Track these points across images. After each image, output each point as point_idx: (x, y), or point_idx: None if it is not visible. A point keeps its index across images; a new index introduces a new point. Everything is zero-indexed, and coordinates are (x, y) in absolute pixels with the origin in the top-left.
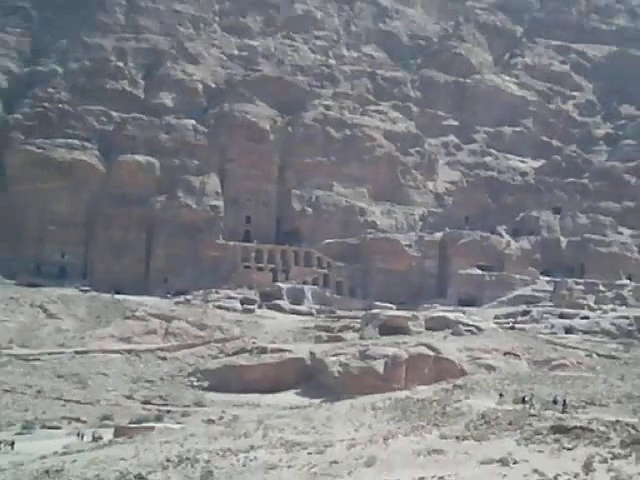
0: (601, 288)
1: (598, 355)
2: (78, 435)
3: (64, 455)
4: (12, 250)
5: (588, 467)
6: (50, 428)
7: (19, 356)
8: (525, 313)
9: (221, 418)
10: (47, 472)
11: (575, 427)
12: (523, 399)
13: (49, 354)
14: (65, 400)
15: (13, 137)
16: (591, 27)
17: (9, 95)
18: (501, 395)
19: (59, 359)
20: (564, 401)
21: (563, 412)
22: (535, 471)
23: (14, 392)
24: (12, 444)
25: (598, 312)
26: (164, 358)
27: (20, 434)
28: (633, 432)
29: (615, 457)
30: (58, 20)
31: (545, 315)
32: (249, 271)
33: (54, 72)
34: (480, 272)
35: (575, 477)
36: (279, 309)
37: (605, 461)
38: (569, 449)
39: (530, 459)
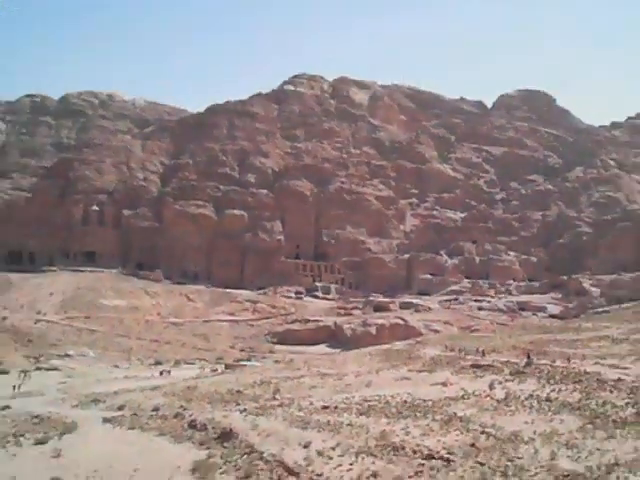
0: (498, 286)
1: (496, 323)
2: (204, 368)
3: (197, 379)
4: (168, 263)
5: (491, 386)
6: (189, 364)
7: (173, 323)
8: (455, 299)
9: (284, 359)
10: (188, 387)
11: (485, 364)
12: (528, 356)
13: (189, 322)
14: (197, 348)
15: (167, 200)
16: (493, 137)
17: (163, 176)
18: (446, 347)
19: (194, 324)
20: (483, 351)
21: (482, 356)
22: (462, 389)
23: (170, 344)
24: (169, 372)
25: (496, 299)
26: (252, 325)
27: (173, 366)
28: (516, 367)
29: (507, 381)
30: (189, 133)
31: (467, 300)
32: (299, 276)
33: (188, 163)
34: (430, 277)
35: (484, 392)
36: (316, 297)
37: (501, 383)
38: (481, 377)
39: (459, 382)
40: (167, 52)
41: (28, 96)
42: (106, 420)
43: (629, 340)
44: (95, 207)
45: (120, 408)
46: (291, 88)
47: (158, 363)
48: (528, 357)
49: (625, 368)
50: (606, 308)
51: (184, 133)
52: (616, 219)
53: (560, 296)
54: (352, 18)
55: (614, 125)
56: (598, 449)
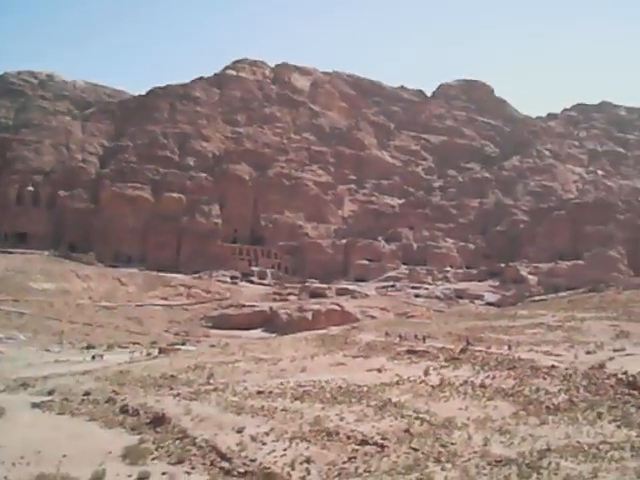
0: (435, 272)
1: (433, 310)
2: (136, 352)
3: (130, 363)
4: (103, 245)
5: (426, 372)
6: (122, 348)
7: (105, 307)
8: (392, 286)
9: (219, 344)
10: (121, 372)
11: (420, 350)
12: (467, 342)
13: (122, 306)
14: (130, 332)
15: (104, 182)
16: (432, 125)
17: (103, 158)
18: (387, 334)
19: (127, 308)
20: (423, 337)
21: (423, 342)
22: (397, 375)
23: (103, 327)
24: (102, 356)
25: (433, 286)
26: (186, 309)
27: (106, 350)
28: (451, 353)
29: (442, 367)
30: (130, 116)
31: (404, 287)
32: (235, 260)
33: (128, 146)
34: (367, 262)
35: (419, 378)
36: (252, 282)
37: (436, 369)
38: (416, 363)
39: (394, 368)
40: (109, 34)
41: None
42: (35, 405)
43: (564, 327)
44: (30, 187)
45: (50, 393)
46: (233, 73)
47: (90, 347)
48: (467, 342)
49: (559, 355)
50: (543, 296)
51: (125, 115)
52: (552, 208)
53: (497, 284)
54: (294, 4)
55: (550, 116)
56: (531, 435)
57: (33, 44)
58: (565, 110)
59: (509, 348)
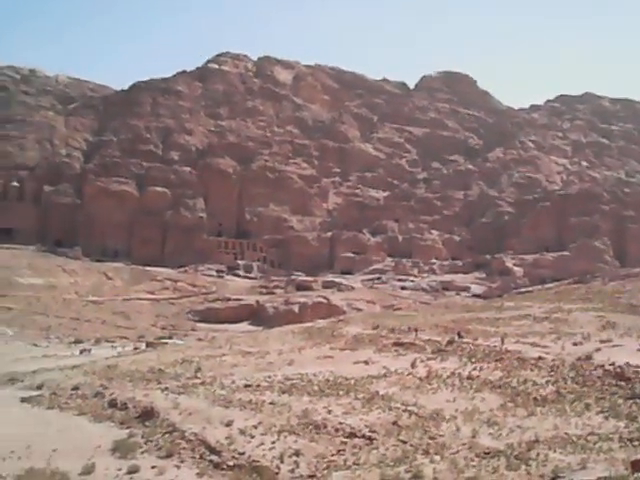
0: (421, 265)
1: (419, 302)
2: (123, 347)
3: (118, 357)
4: (88, 240)
5: (413, 364)
6: (109, 342)
7: (92, 301)
8: (378, 279)
9: (206, 337)
10: (108, 367)
11: (407, 342)
12: (458, 334)
13: (109, 300)
14: (117, 326)
15: (89, 177)
16: (415, 117)
17: (86, 153)
18: (378, 326)
19: (114, 303)
20: (415, 329)
21: (416, 334)
22: (384, 367)
23: (90, 322)
24: (89, 350)
25: (419, 278)
26: (173, 303)
27: (94, 345)
28: (438, 345)
29: (429, 359)
30: (113, 110)
31: (390, 280)
32: (221, 254)
33: (111, 140)
34: (353, 255)
35: (406, 369)
36: (238, 276)
37: (423, 361)
38: (403, 355)
39: (381, 360)
40: (90, 28)
41: None
42: (24, 400)
43: (550, 319)
44: (15, 183)
45: (39, 387)
46: (215, 67)
47: (78, 342)
48: (459, 334)
49: (546, 347)
50: (529, 288)
51: (108, 110)
52: (537, 199)
53: (484, 276)
54: None
55: (533, 108)
56: (519, 426)
57: (14, 38)
58: (548, 101)
59: (502, 341)
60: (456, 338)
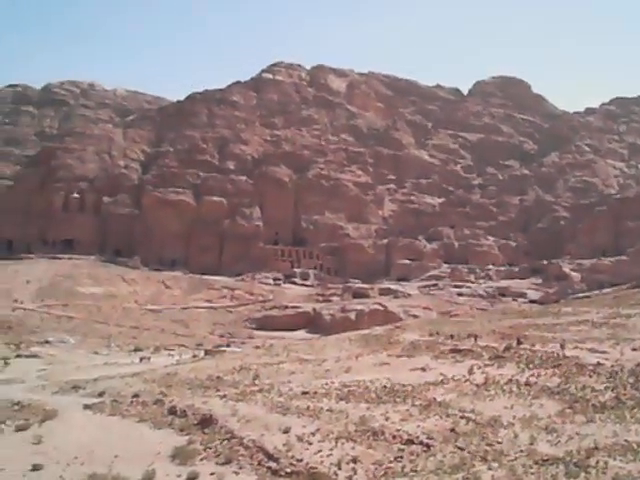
0: (477, 271)
1: (476, 308)
2: (180, 355)
3: (177, 365)
4: (147, 250)
5: (471, 371)
6: (168, 350)
7: (151, 310)
8: (434, 285)
9: (263, 345)
10: (168, 374)
11: (464, 349)
12: (518, 340)
13: (167, 309)
14: (176, 334)
15: (147, 188)
16: (469, 123)
17: (144, 164)
18: (431, 334)
19: (172, 311)
20: (475, 336)
21: (475, 341)
22: (441, 374)
23: (149, 330)
24: (149, 358)
25: (475, 284)
26: (230, 311)
27: (153, 353)
28: (495, 351)
29: (486, 365)
30: (169, 121)
31: (446, 286)
32: (277, 262)
33: (168, 151)
34: (409, 262)
35: (463, 376)
36: (295, 284)
37: (480, 367)
38: (460, 362)
39: (438, 367)
40: (146, 42)
41: (10, 86)
42: (86, 407)
43: (609, 324)
44: (76, 195)
45: (100, 395)
46: (269, 76)
47: (138, 350)
48: (518, 341)
49: (604, 352)
50: (587, 293)
51: (164, 121)
52: (593, 203)
53: (540, 281)
54: (328, 7)
55: (588, 111)
56: (577, 433)
57: (74, 55)
58: (604, 104)
59: (562, 347)
60: (514, 344)
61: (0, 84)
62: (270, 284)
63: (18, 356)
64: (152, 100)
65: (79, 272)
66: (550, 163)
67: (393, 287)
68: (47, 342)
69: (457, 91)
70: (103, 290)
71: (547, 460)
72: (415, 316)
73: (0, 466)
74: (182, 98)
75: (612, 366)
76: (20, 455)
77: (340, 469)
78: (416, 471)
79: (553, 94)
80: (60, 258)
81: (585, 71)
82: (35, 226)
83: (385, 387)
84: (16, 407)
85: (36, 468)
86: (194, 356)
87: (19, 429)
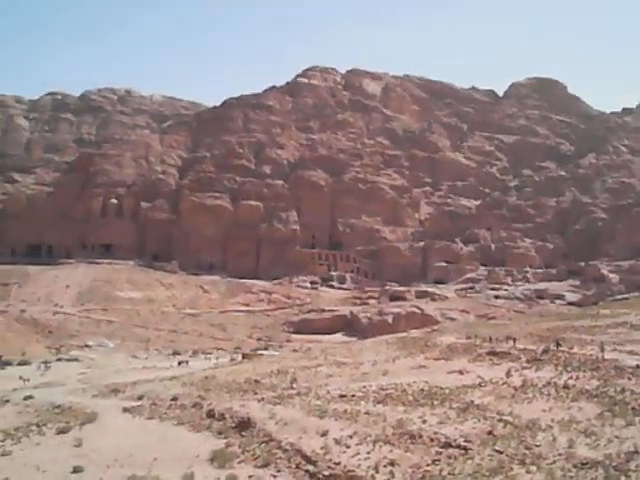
0: (514, 273)
1: (513, 311)
2: (217, 358)
3: (215, 368)
4: (184, 254)
5: (508, 374)
6: (206, 353)
7: (189, 314)
8: (471, 288)
9: (301, 348)
10: (206, 377)
11: (501, 352)
12: (557, 342)
13: (205, 313)
14: (214, 338)
15: (184, 193)
16: (504, 125)
17: (181, 169)
18: (468, 336)
19: (210, 315)
20: (514, 339)
21: (514, 344)
22: (479, 376)
23: (187, 334)
24: (187, 362)
25: (513, 286)
26: (268, 315)
27: (191, 357)
28: (533, 354)
29: (524, 368)
30: (206, 127)
31: (483, 288)
32: (314, 265)
33: (205, 156)
34: (446, 264)
35: (501, 379)
36: (332, 287)
37: (518, 370)
38: (498, 364)
39: (476, 370)
40: (181, 48)
41: (50, 94)
42: (126, 410)
43: None
44: (114, 200)
45: (139, 398)
46: (304, 81)
47: (176, 353)
48: (557, 344)
49: None
50: (625, 295)
51: (201, 127)
52: (631, 204)
53: (578, 283)
54: (361, 11)
55: (625, 111)
56: (617, 437)
57: (110, 62)
58: None
59: (601, 349)
60: (552, 347)
61: (39, 92)
62: (307, 288)
63: (59, 360)
64: (188, 106)
65: (118, 277)
66: (587, 164)
67: (430, 290)
68: (87, 346)
69: (492, 93)
70: (142, 294)
71: (586, 464)
72: (452, 319)
73: (42, 468)
74: (218, 103)
75: None
76: (61, 457)
77: (377, 472)
78: (454, 474)
79: (589, 94)
80: (99, 263)
81: (621, 70)
82: (74, 231)
83: (422, 390)
84: (57, 410)
85: (76, 470)
86: (232, 359)
87: (60, 432)
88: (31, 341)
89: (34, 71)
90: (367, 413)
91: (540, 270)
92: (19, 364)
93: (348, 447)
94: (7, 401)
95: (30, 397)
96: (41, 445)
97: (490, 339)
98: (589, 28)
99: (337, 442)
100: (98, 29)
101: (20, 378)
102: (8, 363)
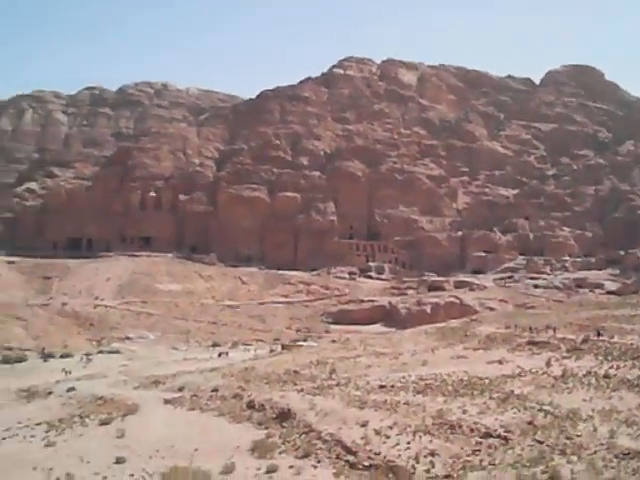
0: (553, 262)
1: (552, 300)
2: (255, 350)
3: (255, 360)
4: (222, 246)
5: (548, 364)
6: (246, 345)
7: (229, 306)
8: (510, 277)
9: (340, 339)
10: (246, 369)
11: (541, 341)
12: (598, 332)
13: (244, 304)
14: (253, 329)
15: (221, 185)
16: (542, 113)
17: (218, 162)
18: (507, 326)
19: (249, 307)
20: (554, 328)
21: (554, 333)
22: (518, 366)
23: (227, 326)
24: (227, 353)
25: (552, 276)
26: (306, 306)
27: (231, 348)
28: (573, 344)
29: (564, 358)
30: (242, 119)
31: (522, 278)
32: (352, 256)
33: (242, 148)
34: (484, 254)
35: (541, 369)
36: (370, 278)
37: (558, 360)
38: (538, 354)
39: (515, 360)
40: (217, 40)
41: (87, 89)
42: (167, 401)
43: None
44: (152, 193)
45: (180, 389)
46: (340, 71)
47: (216, 345)
48: (598, 333)
49: None
50: None
51: (237, 119)
52: None
53: (617, 272)
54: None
55: None
56: None
57: (147, 56)
58: None
59: None
60: (592, 336)
61: (78, 87)
62: (345, 278)
63: (100, 352)
64: (225, 98)
65: (157, 269)
66: (625, 152)
67: (468, 280)
68: (127, 338)
69: (529, 81)
70: (181, 287)
71: (628, 454)
72: (491, 309)
73: (85, 459)
74: (254, 96)
75: None
76: (104, 448)
77: (418, 462)
78: (494, 464)
79: (627, 81)
80: (138, 256)
81: None
82: (114, 225)
83: (462, 380)
84: (99, 402)
85: (119, 461)
86: (271, 351)
87: (102, 423)
88: (73, 334)
89: (72, 67)
90: (407, 403)
91: (579, 259)
92: (61, 357)
93: (388, 437)
94: (50, 393)
95: (73, 389)
96: (84, 436)
97: (529, 329)
98: (626, 12)
99: (377, 433)
100: (134, 25)
101: (63, 370)
102: (51, 356)
